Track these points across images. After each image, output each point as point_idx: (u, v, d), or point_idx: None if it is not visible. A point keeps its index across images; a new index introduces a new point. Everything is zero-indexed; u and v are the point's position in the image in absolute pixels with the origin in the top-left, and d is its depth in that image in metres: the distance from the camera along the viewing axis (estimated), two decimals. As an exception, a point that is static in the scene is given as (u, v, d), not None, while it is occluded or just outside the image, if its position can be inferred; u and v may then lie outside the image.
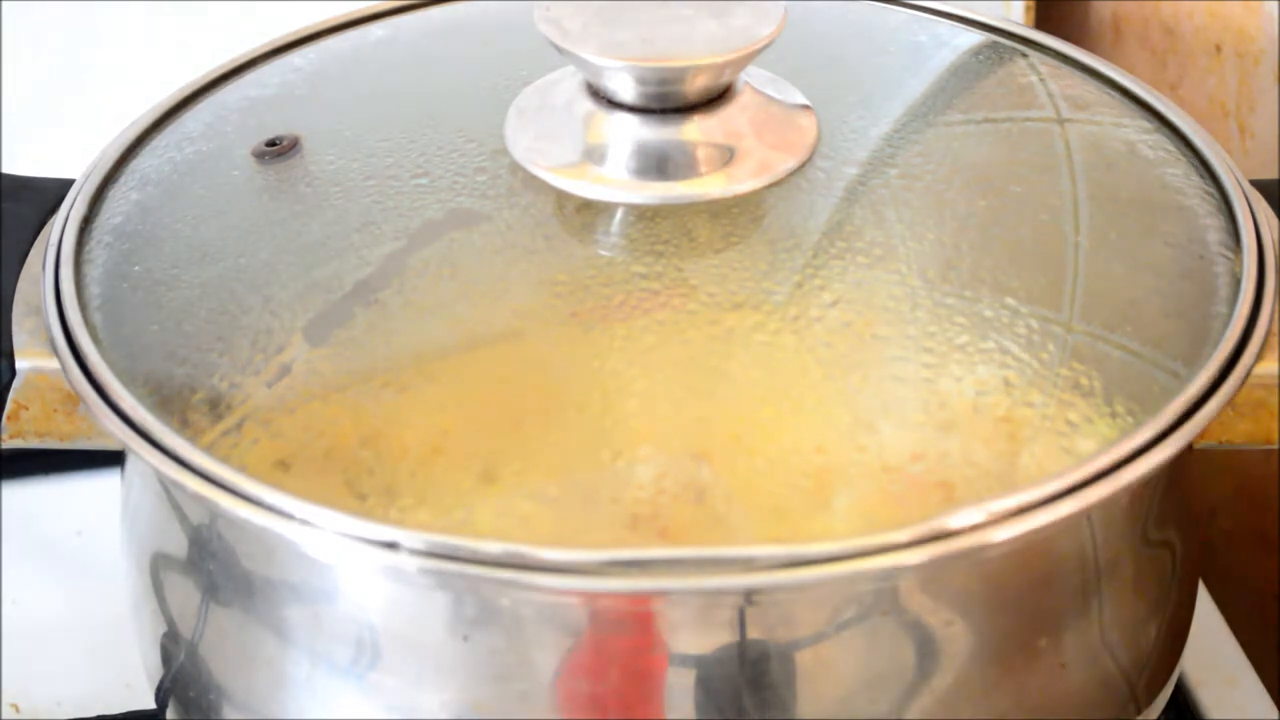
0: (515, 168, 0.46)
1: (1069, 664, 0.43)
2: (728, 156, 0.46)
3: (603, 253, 0.44)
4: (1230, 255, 0.46)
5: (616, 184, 0.45)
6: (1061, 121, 0.50)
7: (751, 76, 0.47)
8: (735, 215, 0.45)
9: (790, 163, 0.46)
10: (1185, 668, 0.57)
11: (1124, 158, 0.49)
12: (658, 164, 0.45)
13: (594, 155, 0.46)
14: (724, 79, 0.46)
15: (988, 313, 0.43)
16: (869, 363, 0.42)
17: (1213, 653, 0.58)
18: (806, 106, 0.48)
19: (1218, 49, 0.69)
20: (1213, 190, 0.48)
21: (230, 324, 0.44)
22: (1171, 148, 0.49)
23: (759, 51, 0.45)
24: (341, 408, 0.41)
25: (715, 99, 0.46)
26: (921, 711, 0.41)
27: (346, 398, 0.42)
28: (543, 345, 0.42)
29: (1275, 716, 0.57)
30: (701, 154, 0.45)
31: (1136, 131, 0.50)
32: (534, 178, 0.46)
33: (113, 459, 0.50)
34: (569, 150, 0.46)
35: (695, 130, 0.46)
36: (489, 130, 0.48)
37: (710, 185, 0.45)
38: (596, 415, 0.41)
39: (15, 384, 0.46)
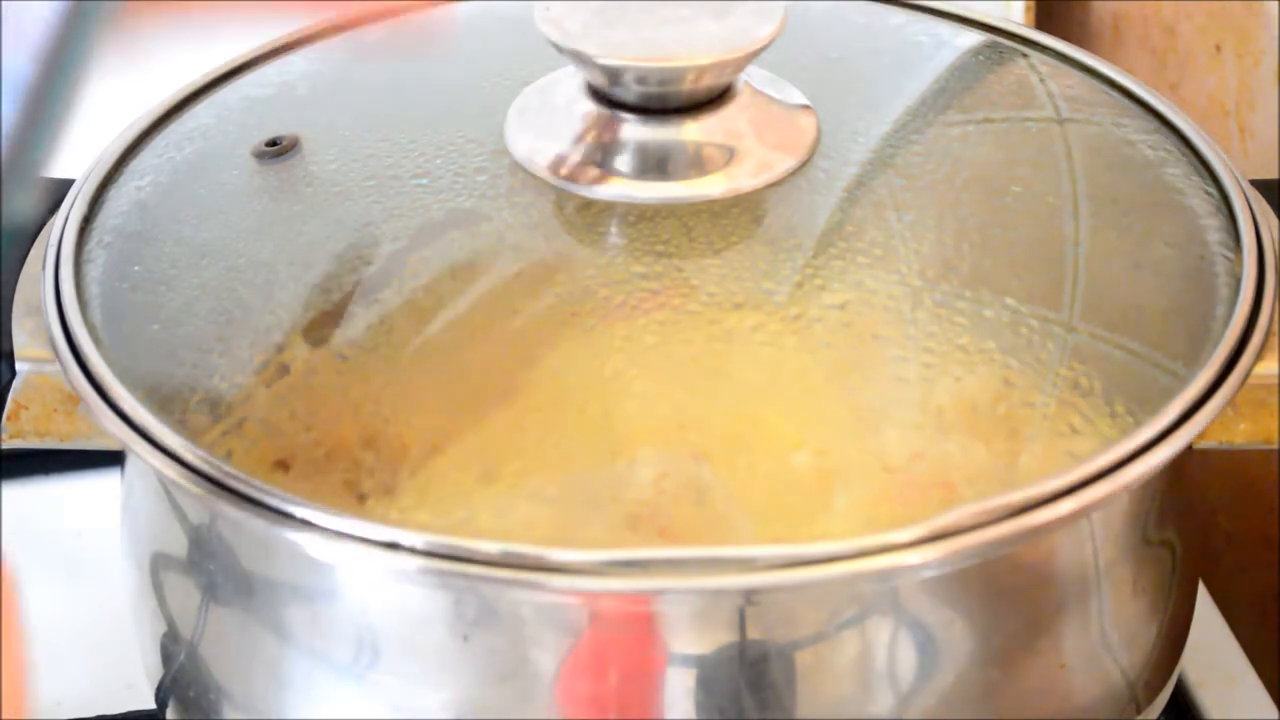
0: (515, 168, 0.46)
1: (1069, 664, 0.43)
2: (728, 156, 0.46)
3: (603, 253, 0.44)
4: (1230, 255, 0.46)
5: (616, 184, 0.45)
6: (1061, 121, 0.50)
7: (751, 76, 0.47)
8: (735, 215, 0.45)
9: (790, 163, 0.46)
10: (1185, 668, 0.57)
11: (1124, 158, 0.49)
12: (658, 164, 0.45)
13: (594, 155, 0.46)
14: (724, 79, 0.46)
15: (988, 313, 0.43)
16: (869, 363, 0.42)
17: (1213, 653, 0.58)
18: (806, 106, 0.48)
19: (1218, 49, 0.69)
20: (1213, 190, 0.48)
21: (230, 324, 0.44)
22: (1171, 148, 0.49)
23: (759, 51, 0.45)
24: (341, 408, 0.41)
25: (715, 99, 0.46)
26: (921, 711, 0.41)
27: (346, 398, 0.42)
28: (543, 345, 0.42)
29: (1275, 716, 0.57)
30: (701, 154, 0.45)
31: (1136, 131, 0.50)
32: (534, 178, 0.46)
33: (113, 459, 0.50)
34: (569, 150, 0.46)
35: (695, 130, 0.46)
36: (489, 130, 0.48)
37: (710, 185, 0.45)
38: (596, 415, 0.41)
39: (15, 384, 0.46)
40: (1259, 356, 0.43)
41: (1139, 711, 0.46)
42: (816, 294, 0.43)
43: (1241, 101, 0.68)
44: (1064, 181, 0.47)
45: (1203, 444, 0.45)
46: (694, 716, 0.40)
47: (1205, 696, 0.57)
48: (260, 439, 0.41)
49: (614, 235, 0.45)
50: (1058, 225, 0.46)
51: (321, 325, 0.43)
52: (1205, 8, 0.70)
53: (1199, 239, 0.46)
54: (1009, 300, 0.43)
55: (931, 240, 0.45)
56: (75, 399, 0.44)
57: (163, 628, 0.46)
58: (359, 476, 0.40)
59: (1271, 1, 0.65)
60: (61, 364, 0.44)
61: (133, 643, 0.48)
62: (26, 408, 0.46)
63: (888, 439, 0.40)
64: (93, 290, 0.46)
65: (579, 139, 0.46)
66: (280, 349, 0.43)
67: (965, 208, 0.46)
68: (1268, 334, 0.44)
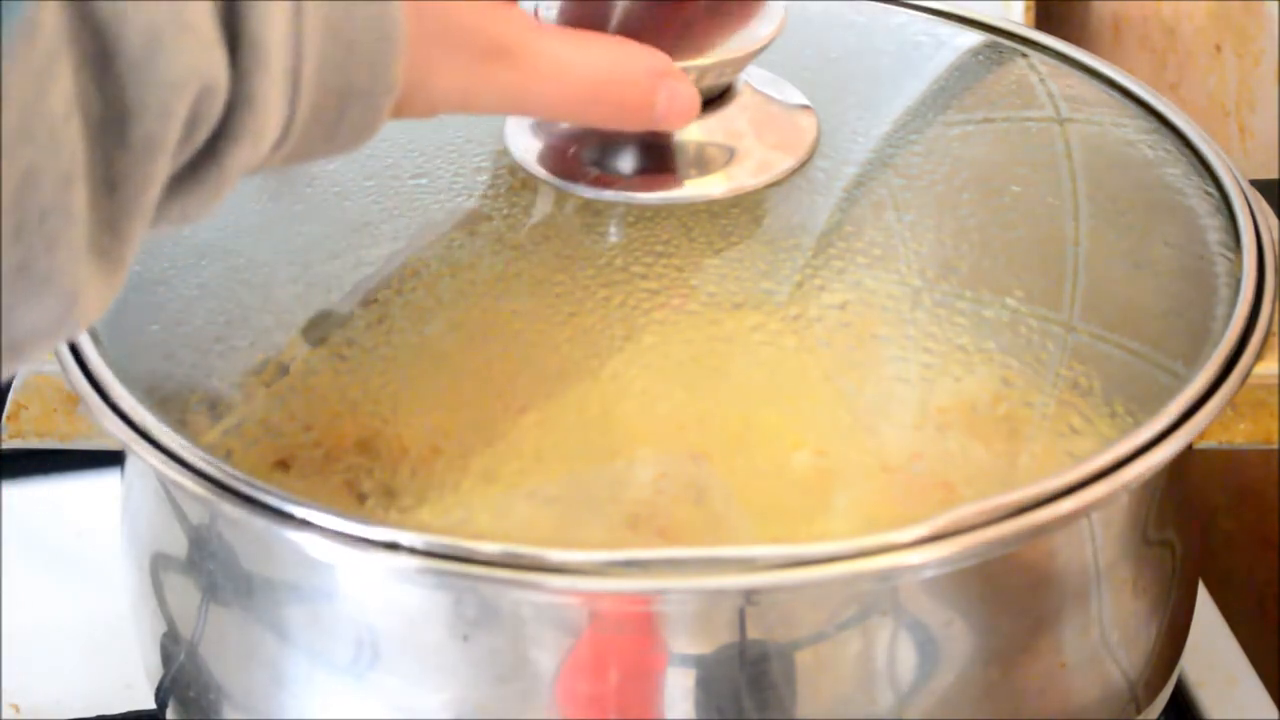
0: (515, 168, 0.46)
1: (1069, 664, 0.43)
2: (728, 156, 0.46)
3: (602, 253, 0.44)
4: (1230, 255, 0.46)
5: (616, 184, 0.45)
6: (1061, 121, 0.50)
7: (751, 76, 0.47)
8: (735, 215, 0.45)
9: (790, 163, 0.46)
10: (1185, 668, 0.57)
11: (1124, 158, 0.49)
12: (658, 164, 0.45)
13: (594, 155, 0.46)
14: (724, 79, 0.46)
15: (988, 313, 0.43)
16: (869, 363, 0.42)
17: (1213, 653, 0.58)
18: (806, 106, 0.48)
19: (1218, 49, 0.69)
20: (1213, 190, 0.48)
21: (230, 324, 0.44)
22: (1171, 148, 0.49)
23: (759, 52, 0.45)
24: (341, 408, 0.41)
25: (715, 99, 0.46)
26: (921, 711, 0.41)
27: (346, 398, 0.42)
28: (543, 345, 0.42)
29: (1275, 716, 0.57)
30: (702, 154, 0.45)
31: (1136, 131, 0.50)
32: (534, 178, 0.46)
33: (113, 459, 0.50)
34: (569, 150, 0.46)
35: (695, 130, 0.46)
36: (489, 130, 0.48)
37: (710, 185, 0.45)
38: (596, 415, 0.41)
39: (15, 384, 0.46)
40: (1259, 356, 0.43)
41: (1139, 711, 0.46)
42: (816, 294, 0.43)
43: (1241, 101, 0.68)
44: (1064, 181, 0.47)
45: (1203, 444, 0.45)
46: (694, 716, 0.40)
47: (1205, 696, 0.57)
48: (260, 439, 0.41)
49: (614, 235, 0.45)
50: (1058, 225, 0.46)
51: (321, 325, 0.43)
52: (1205, 8, 0.70)
53: (1199, 239, 0.46)
54: (1009, 300, 0.43)
55: (931, 240, 0.45)
56: (75, 399, 0.44)
57: (163, 628, 0.46)
58: (359, 476, 0.40)
59: (1271, 1, 0.65)
60: (61, 364, 0.44)
61: (133, 643, 0.48)
62: (26, 407, 0.46)
63: (887, 439, 0.40)
64: (93, 290, 0.46)
65: (579, 139, 0.46)
66: (280, 349, 0.43)
67: (965, 208, 0.46)
68: (1268, 334, 0.44)
